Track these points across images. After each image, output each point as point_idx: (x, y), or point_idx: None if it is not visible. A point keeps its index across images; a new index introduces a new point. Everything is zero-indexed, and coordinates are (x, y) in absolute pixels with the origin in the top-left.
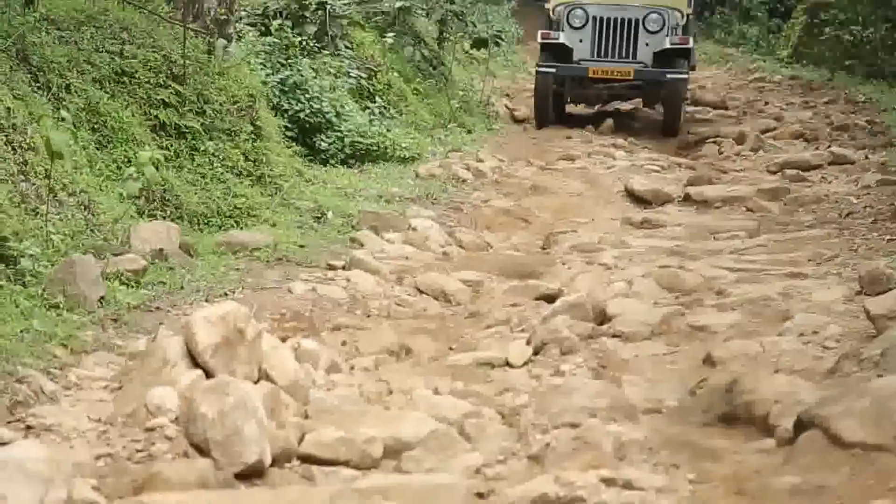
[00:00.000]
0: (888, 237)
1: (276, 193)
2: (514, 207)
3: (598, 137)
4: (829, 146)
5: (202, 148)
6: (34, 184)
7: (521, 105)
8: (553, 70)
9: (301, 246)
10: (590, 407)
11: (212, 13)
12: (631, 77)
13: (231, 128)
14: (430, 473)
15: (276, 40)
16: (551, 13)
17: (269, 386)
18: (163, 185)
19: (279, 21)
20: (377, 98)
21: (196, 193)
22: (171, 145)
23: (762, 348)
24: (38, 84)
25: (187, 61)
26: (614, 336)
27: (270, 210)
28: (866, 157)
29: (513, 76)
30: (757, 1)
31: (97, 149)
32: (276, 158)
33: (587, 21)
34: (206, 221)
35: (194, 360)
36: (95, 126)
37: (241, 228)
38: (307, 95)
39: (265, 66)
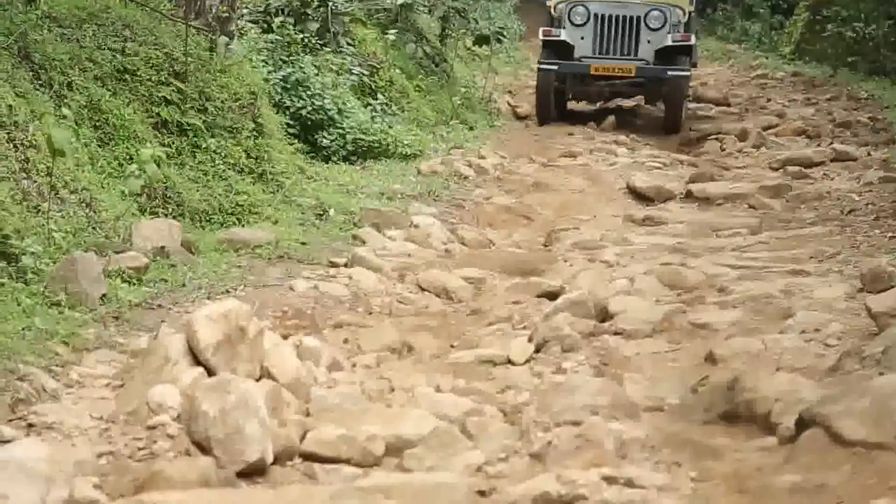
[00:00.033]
0: (890, 234)
1: (277, 191)
2: (516, 204)
3: (601, 134)
4: (832, 143)
5: (204, 145)
6: (36, 181)
7: (523, 102)
8: (555, 67)
9: (303, 243)
10: (591, 405)
11: (213, 10)
12: (632, 74)
13: (233, 125)
14: (431, 472)
15: (278, 37)
16: (553, 10)
17: (271, 384)
18: (164, 183)
19: (281, 18)
20: (379, 95)
21: (198, 191)
22: (173, 143)
23: (764, 346)
24: (39, 82)
25: (189, 59)
26: (616, 333)
27: (272, 207)
28: (868, 154)
29: (515, 73)
30: None
31: (99, 146)
32: (278, 156)
33: (589, 18)
34: (207, 219)
35: (196, 358)
36: (97, 123)
37: (243, 226)
38: (309, 92)
39: (267, 63)
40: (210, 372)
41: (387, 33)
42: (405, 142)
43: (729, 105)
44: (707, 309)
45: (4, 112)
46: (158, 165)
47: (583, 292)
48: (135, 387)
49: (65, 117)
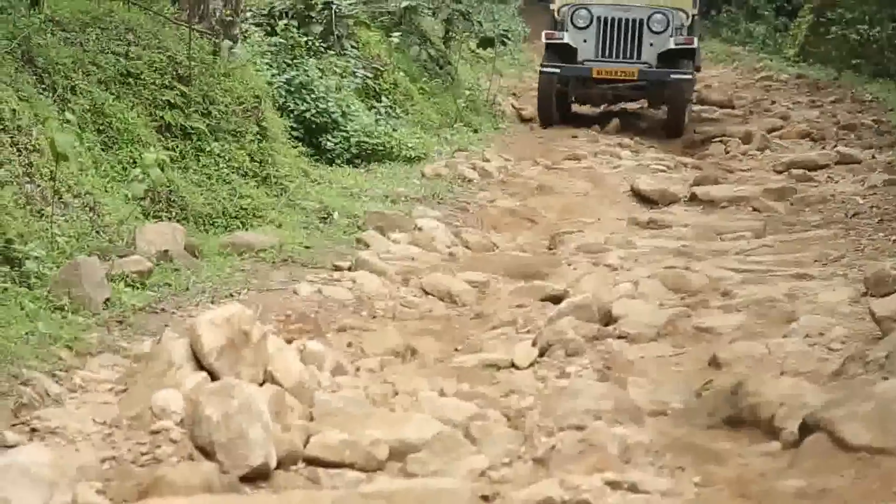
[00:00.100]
0: (894, 238)
1: (281, 194)
2: (520, 207)
3: (604, 137)
4: (836, 146)
5: (208, 149)
6: (39, 185)
7: (527, 104)
8: (557, 70)
9: (307, 247)
10: (595, 409)
11: (217, 14)
12: (635, 77)
13: (237, 129)
14: (435, 476)
15: (281, 40)
16: (556, 13)
17: (275, 388)
18: (168, 187)
19: (285, 21)
20: (383, 98)
21: (201, 194)
22: (177, 146)
23: (768, 350)
24: (43, 85)
25: (193, 62)
26: (620, 337)
27: (276, 211)
28: (873, 157)
29: (519, 75)
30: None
31: (102, 150)
32: (282, 159)
33: (591, 21)
34: (211, 222)
35: (199, 363)
36: (101, 127)
37: (247, 229)
38: (313, 95)
39: (271, 66)
40: (213, 376)
41: (391, 36)
42: (409, 145)
43: (733, 107)
44: (711, 313)
45: (8, 116)
46: (162, 169)
47: (587, 296)
48: (138, 391)
49: (68, 121)
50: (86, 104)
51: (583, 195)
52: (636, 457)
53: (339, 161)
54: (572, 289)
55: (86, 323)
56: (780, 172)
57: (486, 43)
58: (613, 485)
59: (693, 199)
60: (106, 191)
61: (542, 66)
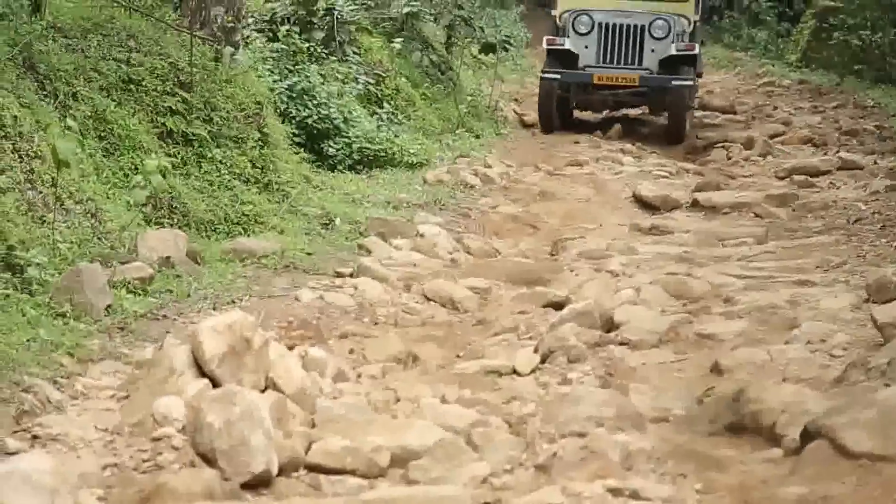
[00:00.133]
0: None
1: (283, 200)
2: (522, 213)
3: (607, 143)
4: (838, 151)
5: (209, 155)
6: (41, 192)
7: (529, 110)
8: (557, 76)
9: (308, 253)
10: (597, 416)
11: (219, 21)
12: (636, 84)
13: (238, 135)
14: (436, 483)
15: (283, 46)
16: (558, 19)
17: (276, 395)
18: (170, 193)
19: (287, 27)
20: (385, 104)
21: (203, 201)
22: (179, 153)
23: (769, 356)
24: (44, 92)
25: (194, 69)
26: (622, 344)
27: (278, 217)
28: (875, 163)
29: (521, 80)
30: (766, 5)
31: (104, 156)
32: (284, 165)
33: (593, 27)
34: (213, 229)
35: (201, 370)
36: (102, 134)
37: (249, 236)
38: (315, 101)
39: (273, 72)
40: (215, 383)
41: (393, 42)
42: (411, 150)
43: (735, 113)
44: (713, 319)
45: (9, 123)
46: (164, 176)
47: (588, 302)
48: (140, 398)
49: (69, 128)
50: (87, 111)
51: (585, 201)
52: (638, 464)
53: (340, 167)
54: (574, 295)
55: (87, 329)
56: (781, 178)
57: (487, 49)
58: (615, 492)
59: (695, 204)
60: (108, 197)
61: (543, 71)
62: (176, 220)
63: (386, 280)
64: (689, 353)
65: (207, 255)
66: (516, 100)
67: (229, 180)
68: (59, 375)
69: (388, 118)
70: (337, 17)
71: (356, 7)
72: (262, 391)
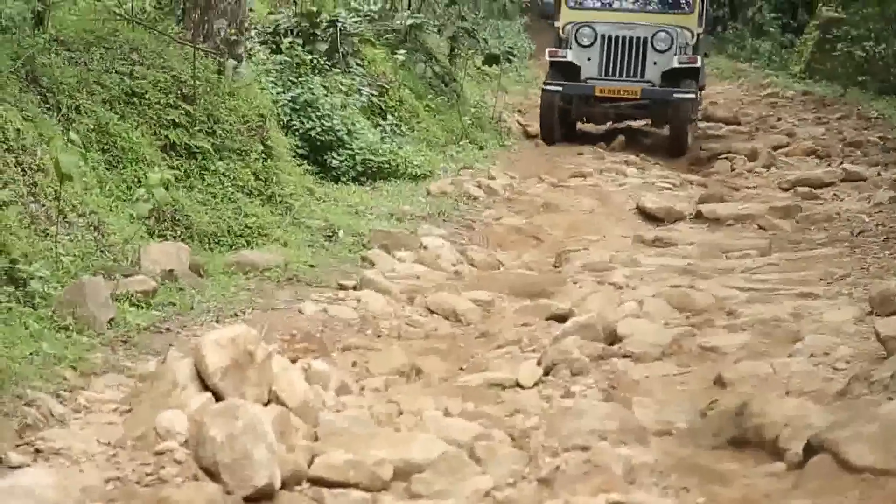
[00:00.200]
0: None
1: (286, 212)
2: (526, 225)
3: (610, 154)
4: (842, 163)
5: (212, 168)
6: (44, 205)
7: (533, 121)
8: (559, 88)
9: (312, 266)
10: (600, 429)
11: (222, 33)
12: (638, 96)
13: (241, 147)
14: (439, 497)
15: (286, 58)
16: (560, 31)
17: (279, 408)
18: (173, 206)
19: (290, 39)
20: (389, 115)
21: (206, 213)
22: (182, 165)
23: (773, 370)
24: (47, 105)
25: (197, 82)
26: (625, 357)
27: (281, 229)
28: (879, 174)
29: (525, 92)
30: (770, 16)
31: (107, 169)
32: (287, 177)
33: (595, 39)
34: (216, 241)
35: (204, 383)
36: (105, 147)
37: (252, 248)
38: (318, 113)
39: (276, 84)
40: (218, 397)
41: (396, 53)
42: (415, 162)
43: (739, 124)
44: (716, 332)
45: (12, 136)
46: (167, 188)
47: (592, 315)
48: (143, 412)
49: (72, 141)
50: (90, 123)
51: (588, 213)
52: (641, 477)
53: (344, 179)
54: (578, 308)
55: (90, 343)
56: (785, 190)
57: (491, 60)
58: None
59: (699, 216)
60: (111, 210)
61: (545, 83)
62: (179, 233)
63: (389, 292)
64: (693, 366)
65: (210, 267)
66: (520, 111)
67: (232, 193)
68: (62, 389)
69: (391, 130)
70: (340, 29)
71: (359, 19)
72: (265, 404)
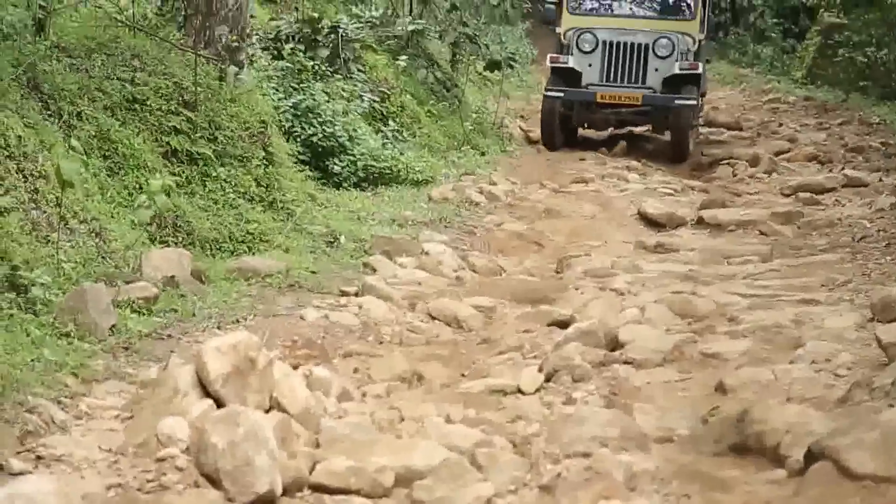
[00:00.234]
0: None
1: (288, 219)
2: (528, 231)
3: (612, 160)
4: (843, 169)
5: (214, 174)
6: (45, 212)
7: (535, 126)
8: (560, 94)
9: (313, 272)
10: (601, 436)
11: (223, 40)
12: (639, 103)
13: (243, 154)
14: None
15: (288, 64)
16: (562, 37)
17: (281, 415)
18: (175, 212)
19: (291, 45)
20: (390, 121)
21: (208, 220)
22: (183, 172)
23: (774, 376)
24: (49, 112)
25: (199, 88)
26: (626, 363)
27: (283, 235)
28: (880, 180)
29: (527, 97)
30: (771, 22)
31: (108, 176)
32: (289, 184)
33: (597, 45)
34: (218, 247)
35: (205, 390)
36: (107, 153)
37: (254, 254)
38: (320, 119)
39: (277, 90)
40: (219, 403)
41: (398, 59)
42: (416, 168)
43: (741, 129)
44: (717, 338)
45: (14, 143)
46: (168, 195)
47: (593, 321)
48: (144, 418)
49: (73, 148)
50: (92, 130)
51: (590, 218)
52: (642, 484)
53: (346, 185)
54: (579, 314)
55: (92, 349)
56: (787, 196)
57: (493, 66)
58: None
59: (700, 222)
60: (112, 217)
61: (546, 89)
62: (180, 239)
63: (391, 299)
64: (694, 373)
65: (212, 274)
66: (522, 116)
67: (234, 199)
68: (64, 395)
69: (393, 135)
70: (342, 35)
71: (361, 25)
72: (267, 411)
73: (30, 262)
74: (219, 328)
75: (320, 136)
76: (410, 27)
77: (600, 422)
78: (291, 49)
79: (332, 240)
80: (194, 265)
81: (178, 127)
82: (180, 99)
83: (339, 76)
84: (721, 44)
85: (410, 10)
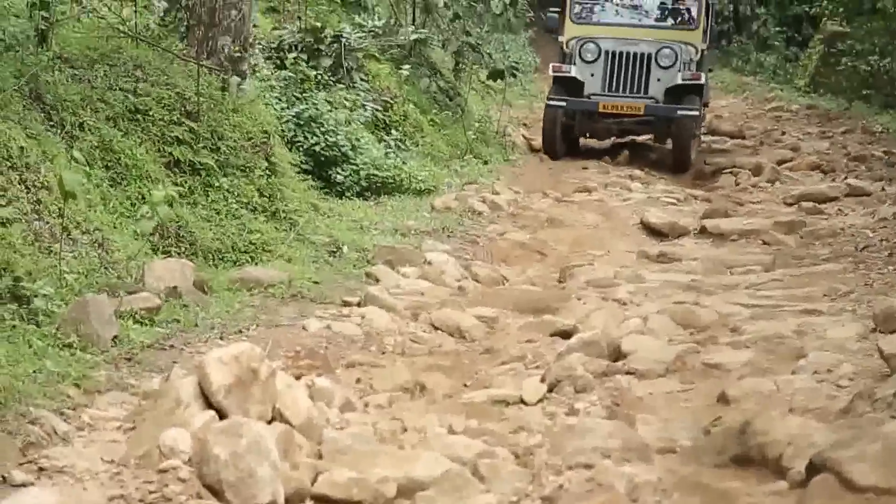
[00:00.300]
0: None
1: (291, 228)
2: (530, 240)
3: (615, 169)
4: (846, 178)
5: (216, 184)
6: (48, 223)
7: (537, 135)
8: (562, 104)
9: (316, 282)
10: (603, 447)
11: (226, 50)
12: (641, 113)
13: (245, 164)
14: None
15: (291, 74)
16: (564, 46)
17: (283, 426)
18: (177, 222)
19: (294, 54)
20: (393, 130)
21: (210, 230)
22: (186, 182)
23: (776, 387)
24: (51, 123)
25: (201, 98)
26: (629, 373)
27: (285, 245)
28: (883, 189)
29: (530, 106)
30: (774, 30)
31: (111, 186)
32: (291, 193)
33: (599, 55)
34: (220, 258)
35: (208, 401)
36: (109, 164)
37: (256, 264)
38: (323, 129)
39: (280, 99)
40: (222, 414)
41: (400, 68)
42: (419, 177)
43: (744, 138)
44: (720, 349)
45: (16, 153)
46: (171, 205)
47: (596, 332)
48: (146, 430)
49: (76, 159)
50: (94, 141)
51: (593, 228)
52: (644, 495)
53: (348, 194)
54: (582, 324)
55: (94, 360)
56: (790, 205)
57: (496, 74)
58: None
59: (703, 231)
60: (114, 227)
61: (548, 99)
62: (183, 250)
63: (393, 309)
64: (696, 383)
65: (215, 284)
66: (525, 125)
67: (237, 209)
68: (66, 407)
69: (395, 145)
70: (344, 45)
71: (363, 34)
72: (269, 422)
73: (32, 273)
74: (221, 339)
75: (323, 145)
76: (413, 36)
77: (602, 433)
78: (294, 59)
79: (334, 249)
80: (197, 275)
81: (181, 137)
82: (183, 109)
83: (341, 85)
84: (724, 52)
85: (413, 20)
